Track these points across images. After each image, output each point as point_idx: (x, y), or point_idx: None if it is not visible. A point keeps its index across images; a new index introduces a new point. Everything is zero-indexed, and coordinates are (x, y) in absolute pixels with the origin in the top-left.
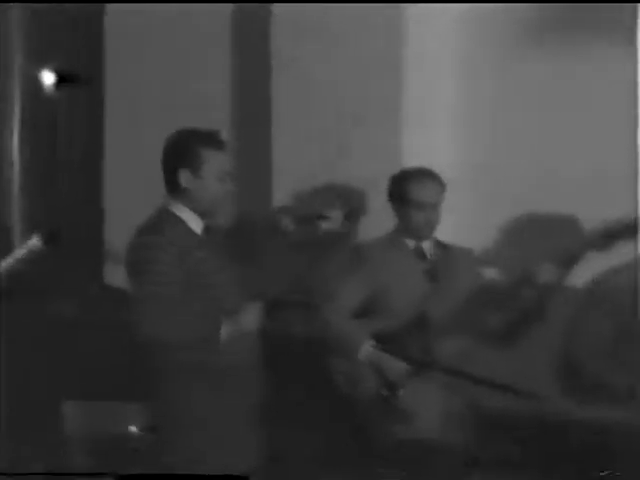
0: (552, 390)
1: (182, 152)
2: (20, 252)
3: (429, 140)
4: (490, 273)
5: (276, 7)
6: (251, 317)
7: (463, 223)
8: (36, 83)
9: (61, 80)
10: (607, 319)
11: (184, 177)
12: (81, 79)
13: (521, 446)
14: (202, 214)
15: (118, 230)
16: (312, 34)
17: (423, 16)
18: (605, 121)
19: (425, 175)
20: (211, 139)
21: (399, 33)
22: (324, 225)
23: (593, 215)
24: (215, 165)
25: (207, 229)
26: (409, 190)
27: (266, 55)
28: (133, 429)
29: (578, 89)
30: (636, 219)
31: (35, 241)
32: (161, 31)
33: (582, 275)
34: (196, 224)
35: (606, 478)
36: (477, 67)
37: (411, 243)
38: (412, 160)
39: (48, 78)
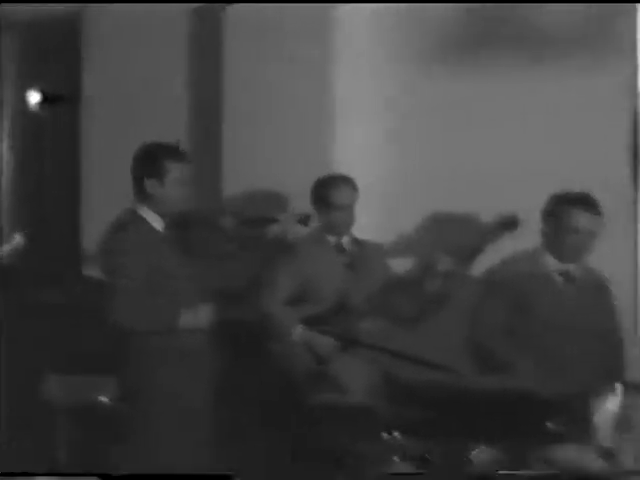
0: (458, 363)
1: (148, 163)
2: (5, 248)
3: (355, 144)
4: (401, 264)
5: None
6: (203, 315)
7: (379, 221)
8: (23, 102)
9: (45, 99)
10: (504, 304)
11: (149, 184)
12: (63, 98)
13: (432, 411)
14: (163, 215)
15: (93, 228)
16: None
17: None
18: (502, 132)
19: (341, 181)
20: (174, 152)
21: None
22: (274, 228)
23: (490, 211)
24: (176, 175)
25: (167, 228)
26: (329, 194)
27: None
28: (104, 399)
29: (483, 103)
30: (514, 215)
31: (19, 239)
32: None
33: (483, 264)
34: (158, 224)
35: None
36: (399, 80)
37: (332, 239)
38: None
39: (34, 98)
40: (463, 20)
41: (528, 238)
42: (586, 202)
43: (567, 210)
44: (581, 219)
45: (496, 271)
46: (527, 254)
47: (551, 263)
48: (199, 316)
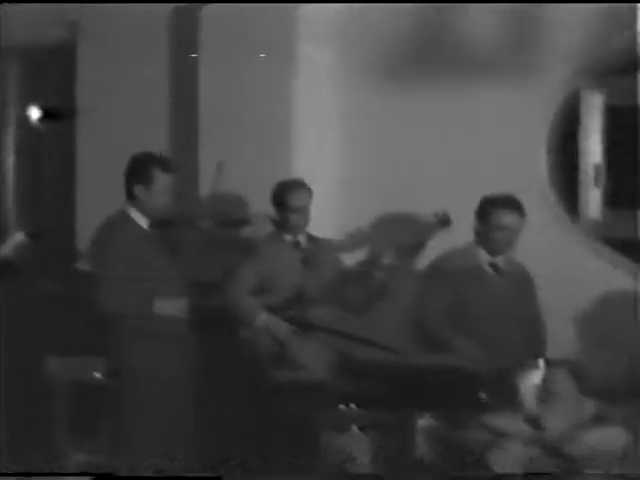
0: (401, 343)
1: (139, 172)
2: (8, 245)
3: (312, 151)
4: (351, 258)
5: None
6: (177, 305)
7: (333, 220)
8: (25, 117)
9: (45, 115)
10: (444, 291)
11: (138, 190)
12: (62, 114)
13: (383, 385)
14: (149, 216)
15: (87, 227)
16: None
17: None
18: (440, 141)
19: (298, 185)
20: (161, 163)
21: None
22: (248, 229)
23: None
24: (162, 183)
25: (152, 227)
26: (286, 197)
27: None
28: (97, 375)
29: (424, 115)
30: (447, 213)
31: (20, 236)
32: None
33: (426, 258)
34: (144, 223)
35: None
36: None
37: (289, 238)
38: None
39: (34, 113)
40: (409, 39)
41: (464, 235)
42: (510, 203)
43: (495, 211)
44: (506, 218)
45: (437, 263)
46: (463, 248)
47: (482, 256)
48: (173, 306)
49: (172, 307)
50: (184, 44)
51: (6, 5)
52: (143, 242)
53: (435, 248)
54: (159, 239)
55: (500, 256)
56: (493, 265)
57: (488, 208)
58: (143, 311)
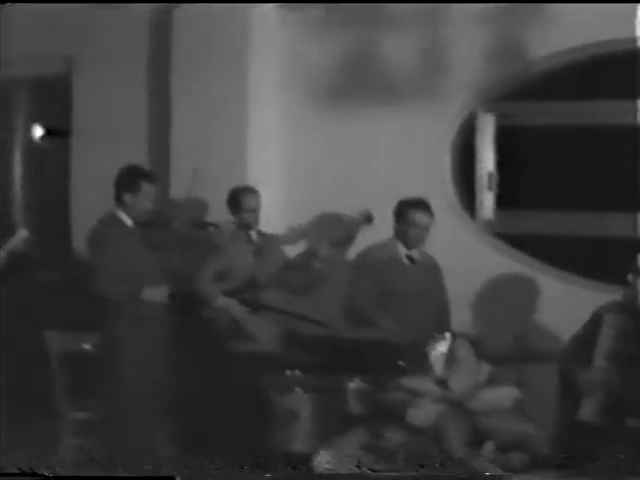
0: (335, 320)
1: (127, 181)
2: (14, 240)
3: (264, 161)
4: (293, 250)
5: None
6: (160, 292)
7: (280, 218)
8: (28, 135)
9: (48, 133)
10: (369, 278)
11: (126, 196)
12: (63, 132)
13: (321, 354)
14: (134, 218)
15: (81, 225)
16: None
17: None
18: (366, 155)
19: (249, 190)
20: (146, 175)
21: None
22: (215, 232)
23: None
24: (146, 191)
25: (136, 226)
26: (241, 201)
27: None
28: (87, 346)
29: (353, 133)
30: (369, 211)
31: (24, 233)
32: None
33: (355, 249)
34: (130, 223)
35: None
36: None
37: (243, 233)
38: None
39: (37, 131)
40: (343, 66)
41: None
42: (422, 205)
43: (409, 211)
44: (419, 218)
45: (363, 254)
46: (384, 242)
47: (400, 249)
48: (158, 292)
49: (157, 294)
50: (158, 67)
51: (6, 5)
52: (129, 238)
53: (362, 242)
54: (142, 236)
55: (414, 249)
56: (409, 257)
57: (404, 209)
58: (131, 296)
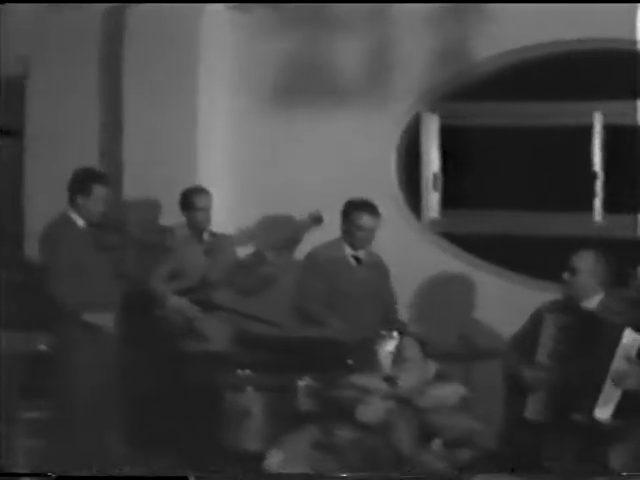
0: (285, 320)
1: (80, 184)
2: None
3: (214, 162)
4: (243, 251)
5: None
6: (103, 319)
7: (231, 219)
8: None
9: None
10: (317, 278)
11: (79, 199)
12: (16, 133)
13: (271, 354)
14: (86, 219)
15: (33, 229)
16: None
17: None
18: (313, 157)
19: (200, 191)
20: (99, 178)
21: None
22: (169, 236)
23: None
24: (99, 194)
25: (89, 228)
26: (192, 201)
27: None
28: (42, 347)
29: (302, 135)
30: (319, 213)
31: None
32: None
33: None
34: (82, 224)
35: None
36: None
37: (195, 234)
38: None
39: None
40: (291, 69)
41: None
42: (369, 208)
43: (356, 213)
44: (365, 220)
45: (311, 254)
46: (331, 243)
47: (347, 250)
48: (101, 318)
49: (101, 319)
50: (110, 69)
51: (6, 5)
52: (80, 239)
53: (311, 243)
54: (93, 238)
55: (361, 250)
56: (355, 257)
57: (351, 210)
58: (78, 310)
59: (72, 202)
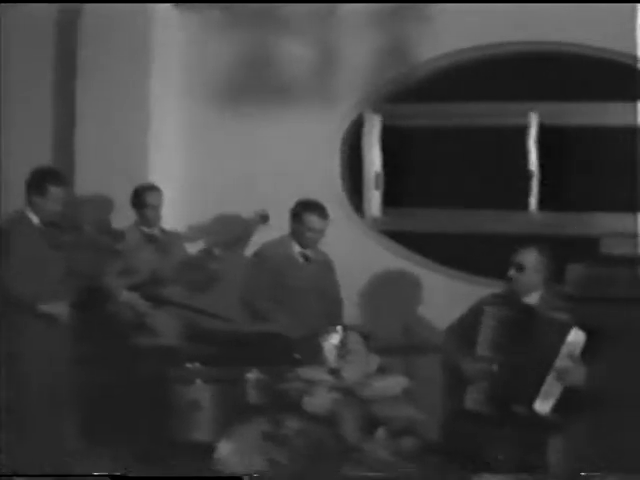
0: (234, 314)
1: (35, 184)
2: None
3: (165, 160)
4: (193, 247)
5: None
6: (57, 308)
7: (181, 216)
8: None
9: None
10: (264, 274)
11: (35, 198)
12: None
13: (220, 347)
14: (42, 218)
15: None
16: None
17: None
18: (262, 157)
19: (152, 188)
20: (55, 177)
21: None
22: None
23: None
24: (55, 195)
25: (44, 227)
26: (144, 198)
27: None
28: None
29: (251, 134)
30: (265, 211)
31: None
32: None
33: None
34: (37, 222)
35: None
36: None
37: (146, 230)
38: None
39: None
40: (243, 69)
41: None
42: (319, 209)
43: (306, 214)
44: (315, 223)
45: (259, 251)
46: (279, 240)
47: (295, 248)
48: (56, 307)
49: (56, 308)
50: (63, 67)
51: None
52: (35, 237)
53: (258, 240)
54: (47, 236)
55: (309, 248)
56: (303, 255)
57: (301, 211)
58: (32, 301)
59: (29, 201)
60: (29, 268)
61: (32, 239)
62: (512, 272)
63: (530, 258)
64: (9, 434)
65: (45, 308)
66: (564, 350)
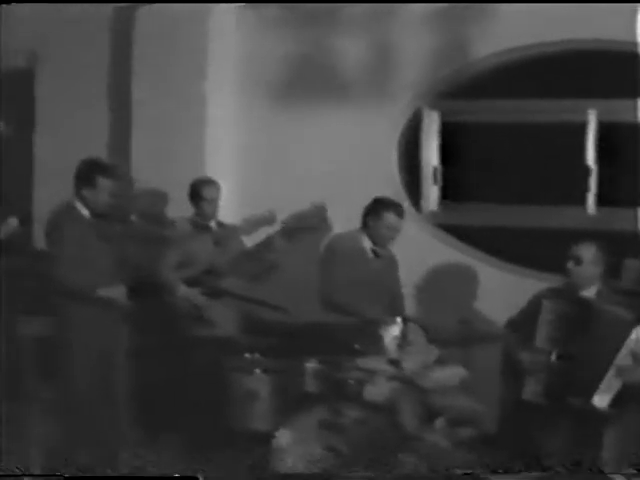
0: (293, 305)
1: (85, 176)
2: (4, 228)
3: (222, 154)
4: (250, 240)
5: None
6: (115, 291)
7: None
8: None
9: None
10: (340, 268)
11: (84, 190)
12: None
13: (279, 338)
14: (91, 209)
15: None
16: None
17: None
18: (318, 152)
19: (209, 182)
20: (104, 169)
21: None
22: (170, 227)
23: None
24: (104, 186)
25: (93, 218)
26: (201, 191)
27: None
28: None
29: (306, 129)
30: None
31: (14, 221)
32: None
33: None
34: (87, 214)
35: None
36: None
37: (203, 223)
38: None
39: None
40: (295, 67)
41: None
42: (397, 208)
43: (384, 212)
44: (392, 219)
45: (330, 245)
46: (350, 235)
47: (366, 242)
48: (114, 290)
49: (114, 292)
50: (120, 65)
51: (12, 5)
52: (84, 229)
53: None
54: (97, 228)
55: (381, 245)
56: (374, 251)
57: (380, 209)
58: (88, 289)
59: (77, 193)
60: (80, 260)
61: (81, 231)
62: (570, 264)
63: (588, 252)
64: (67, 424)
65: (103, 292)
66: (626, 348)
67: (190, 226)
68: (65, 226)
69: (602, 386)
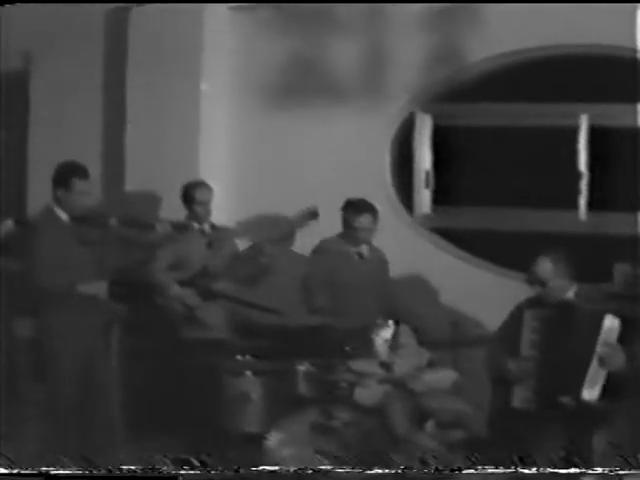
0: (285, 308)
1: (60, 178)
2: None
3: (215, 156)
4: (243, 243)
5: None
6: (96, 287)
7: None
8: None
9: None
10: (323, 271)
11: (60, 192)
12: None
13: (271, 340)
14: (69, 213)
15: None
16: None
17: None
18: (310, 155)
19: (202, 184)
20: (79, 171)
21: None
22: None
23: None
24: (80, 188)
25: (71, 221)
26: (193, 194)
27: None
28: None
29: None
30: (315, 208)
31: (10, 223)
32: None
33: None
34: (65, 217)
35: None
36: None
37: (196, 226)
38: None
39: None
40: (289, 72)
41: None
42: (366, 207)
43: (354, 213)
44: (362, 220)
45: (317, 248)
46: (335, 238)
47: (347, 246)
48: (94, 286)
49: (94, 288)
50: (113, 65)
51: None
52: (63, 232)
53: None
54: (75, 231)
55: (363, 245)
56: (358, 252)
57: (349, 211)
58: (68, 288)
59: (54, 196)
60: (59, 264)
61: (60, 234)
62: (537, 289)
63: (545, 271)
64: (55, 425)
65: (84, 288)
66: (602, 337)
67: (171, 228)
68: (43, 230)
69: (588, 379)
